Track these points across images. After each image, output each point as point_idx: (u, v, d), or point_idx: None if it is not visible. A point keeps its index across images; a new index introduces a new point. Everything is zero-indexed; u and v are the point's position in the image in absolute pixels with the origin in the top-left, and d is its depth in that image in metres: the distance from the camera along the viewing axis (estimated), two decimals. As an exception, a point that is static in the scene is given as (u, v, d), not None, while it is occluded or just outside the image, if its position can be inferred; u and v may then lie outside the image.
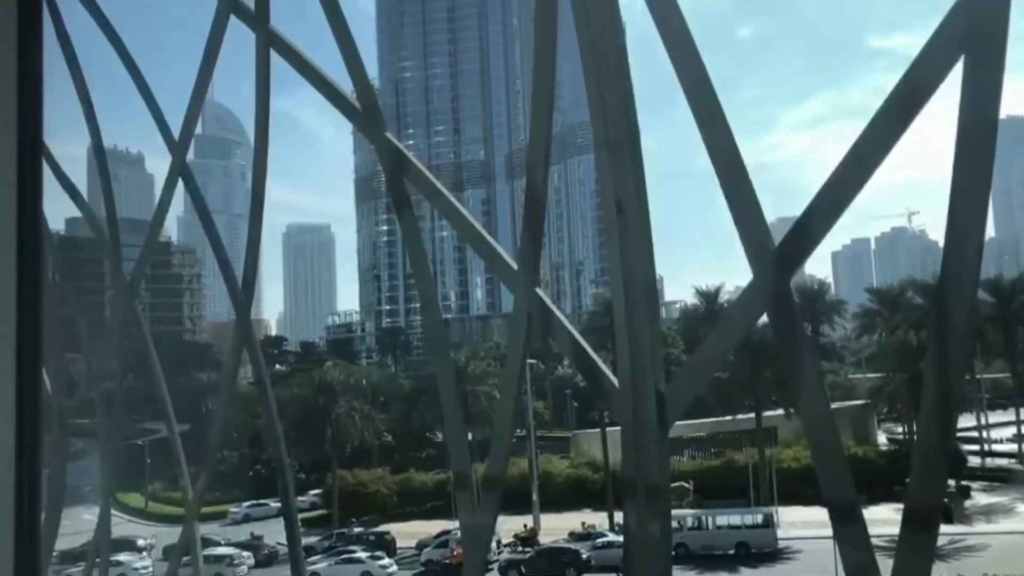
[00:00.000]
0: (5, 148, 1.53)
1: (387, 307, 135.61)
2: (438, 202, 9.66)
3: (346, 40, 10.00)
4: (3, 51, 1.55)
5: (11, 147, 1.53)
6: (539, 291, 7.88)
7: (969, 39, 5.42)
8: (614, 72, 8.31)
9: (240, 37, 11.91)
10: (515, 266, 8.11)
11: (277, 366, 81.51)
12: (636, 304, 6.73)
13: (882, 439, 53.85)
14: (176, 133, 13.59)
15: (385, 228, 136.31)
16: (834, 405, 46.13)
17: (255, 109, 10.54)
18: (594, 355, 7.16)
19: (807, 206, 5.86)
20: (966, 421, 51.24)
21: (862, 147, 5.72)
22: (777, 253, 5.67)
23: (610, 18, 8.02)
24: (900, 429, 51.80)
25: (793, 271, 5.99)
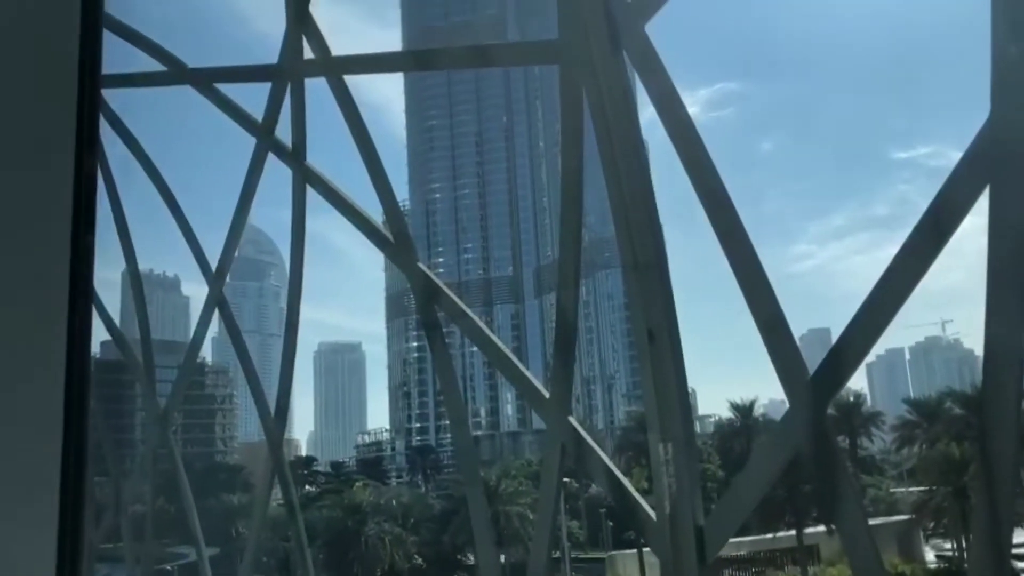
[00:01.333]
0: (58, 281, 1.61)
1: (417, 425, 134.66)
2: (467, 325, 9.76)
3: (377, 170, 10.38)
4: (61, 178, 1.66)
5: (64, 280, 1.61)
6: (571, 419, 7.85)
7: (994, 166, 5.52)
8: (639, 196, 8.52)
9: (275, 162, 12.40)
10: (546, 393, 8.10)
11: (307, 487, 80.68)
12: (671, 436, 6.67)
13: (930, 556, 51.75)
14: (211, 259, 14.02)
15: (415, 345, 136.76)
16: (877, 521, 44.53)
17: (291, 245, 10.89)
18: (630, 486, 7.06)
19: (840, 336, 5.85)
20: (1021, 536, 49.13)
21: (893, 276, 5.76)
22: (812, 382, 5.63)
23: (632, 141, 8.28)
24: (948, 545, 49.84)
25: (828, 400, 5.94)
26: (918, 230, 5.79)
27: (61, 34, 1.70)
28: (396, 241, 10.17)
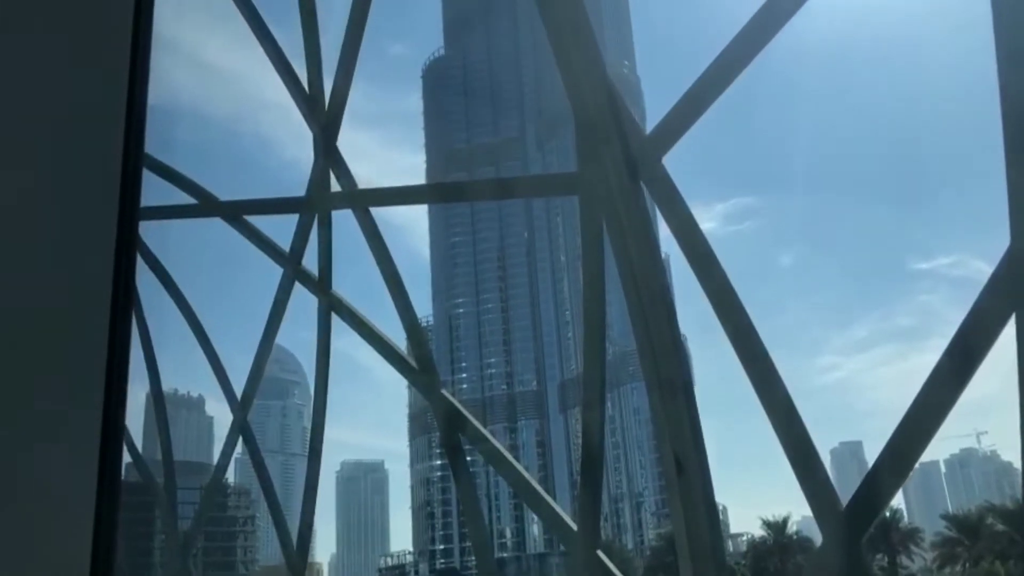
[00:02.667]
0: (91, 415, 1.63)
1: (441, 547, 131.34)
2: (489, 450, 9.66)
3: (401, 297, 10.50)
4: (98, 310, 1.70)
5: (98, 410, 1.64)
6: (600, 554, 7.64)
7: (1019, 294, 5.52)
8: (660, 318, 8.53)
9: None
10: (574, 525, 7.93)
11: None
12: (702, 559, 6.48)
13: None
14: (235, 381, 14.11)
15: (439, 463, 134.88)
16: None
17: (315, 376, 10.96)
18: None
19: (872, 467, 5.73)
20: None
21: (922, 407, 5.68)
22: (846, 515, 5.48)
23: (653, 265, 8.35)
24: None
25: (864, 532, 5.77)
26: (948, 355, 5.74)
27: (103, 175, 1.79)
28: (419, 366, 10.21)
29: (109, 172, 1.74)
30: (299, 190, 11.67)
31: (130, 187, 1.81)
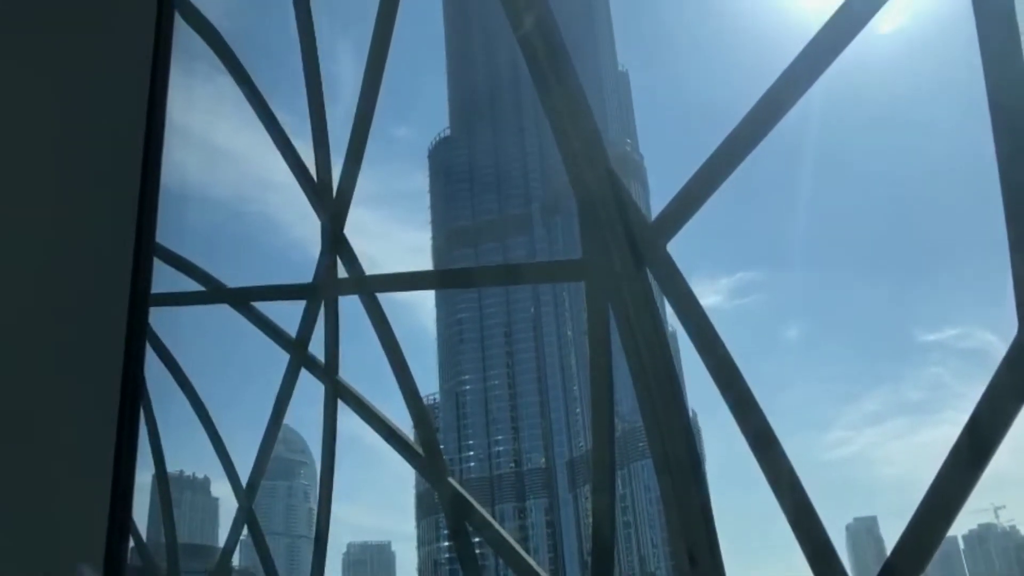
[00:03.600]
0: (99, 504, 1.63)
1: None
2: (493, 538, 9.50)
3: (408, 382, 10.48)
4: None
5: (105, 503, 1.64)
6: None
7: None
8: (668, 399, 8.46)
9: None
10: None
11: None
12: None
13: None
14: (239, 463, 14.00)
15: (446, 544, 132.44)
16: None
17: (321, 459, 10.90)
18: None
19: (891, 553, 5.61)
20: None
21: (939, 493, 5.59)
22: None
23: (659, 346, 8.33)
24: None
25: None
26: (955, 453, 5.67)
27: (115, 264, 1.81)
28: (425, 451, 10.12)
29: (120, 260, 1.78)
30: (305, 269, 11.79)
31: (141, 277, 1.83)
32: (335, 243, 10.58)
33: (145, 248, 1.84)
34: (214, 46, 11.03)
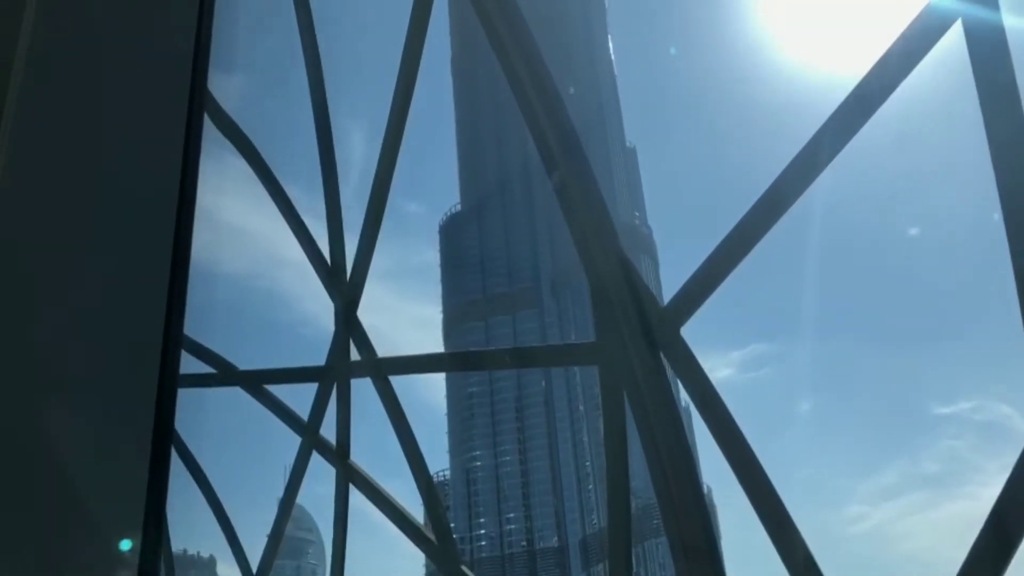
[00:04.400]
0: None
1: None
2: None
3: (420, 468, 10.37)
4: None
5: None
6: None
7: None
8: (683, 480, 8.33)
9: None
10: None
11: None
12: None
13: None
14: (246, 543, 13.79)
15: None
16: None
17: (332, 544, 10.71)
18: None
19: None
20: None
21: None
22: None
23: (674, 428, 8.24)
24: None
25: None
26: (983, 536, 5.55)
27: (145, 350, 1.81)
28: (436, 537, 9.96)
29: (150, 347, 1.79)
30: (315, 346, 11.81)
31: (169, 368, 1.85)
32: (347, 325, 10.60)
33: (174, 334, 1.87)
34: (224, 130, 11.23)
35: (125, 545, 1.60)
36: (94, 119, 2.00)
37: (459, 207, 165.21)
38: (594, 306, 8.26)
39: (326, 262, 11.05)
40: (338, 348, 10.73)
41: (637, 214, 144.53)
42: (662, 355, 7.81)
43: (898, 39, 6.21)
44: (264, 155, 11.50)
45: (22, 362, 1.66)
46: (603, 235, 7.52)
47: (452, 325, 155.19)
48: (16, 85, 1.90)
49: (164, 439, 1.78)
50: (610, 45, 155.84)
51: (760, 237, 7.12)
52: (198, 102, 2.15)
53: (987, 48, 6.18)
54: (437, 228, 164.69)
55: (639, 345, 7.58)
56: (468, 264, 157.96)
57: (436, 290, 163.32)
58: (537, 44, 7.96)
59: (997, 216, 6.58)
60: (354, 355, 11.36)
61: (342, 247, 10.95)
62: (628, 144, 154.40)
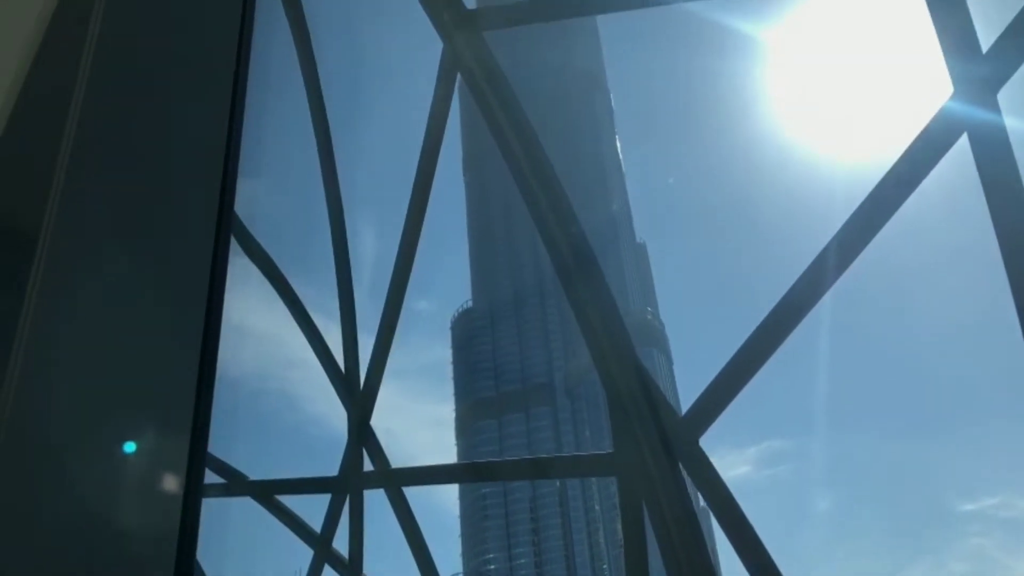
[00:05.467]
0: None
1: None
2: None
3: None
4: None
5: None
6: None
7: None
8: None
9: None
10: None
11: None
12: None
13: None
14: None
15: None
16: None
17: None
18: None
19: None
20: None
21: None
22: None
23: (694, 539, 8.03)
24: None
25: None
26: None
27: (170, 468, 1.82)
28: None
29: (175, 465, 1.79)
30: (326, 447, 11.67)
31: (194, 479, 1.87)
32: (360, 435, 10.51)
33: (200, 449, 1.90)
34: (239, 238, 11.38)
35: None
36: (123, 268, 2.06)
37: (470, 303, 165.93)
38: (611, 416, 8.17)
39: (339, 369, 11.03)
40: (351, 459, 10.60)
41: (649, 309, 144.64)
42: (680, 465, 7.68)
43: (903, 156, 6.31)
44: (275, 255, 11.58)
45: (62, 503, 1.67)
46: (619, 348, 7.50)
47: (464, 424, 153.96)
48: (51, 217, 1.97)
49: (189, 554, 1.78)
50: (618, 144, 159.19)
51: (774, 349, 7.09)
52: (225, 223, 2.21)
53: (991, 153, 6.26)
54: (448, 325, 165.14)
55: (658, 457, 7.47)
56: (480, 361, 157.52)
57: (447, 388, 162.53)
58: (548, 158, 8.12)
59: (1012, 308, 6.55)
60: (367, 462, 11.24)
61: (356, 356, 10.95)
62: (638, 240, 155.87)
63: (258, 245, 10.45)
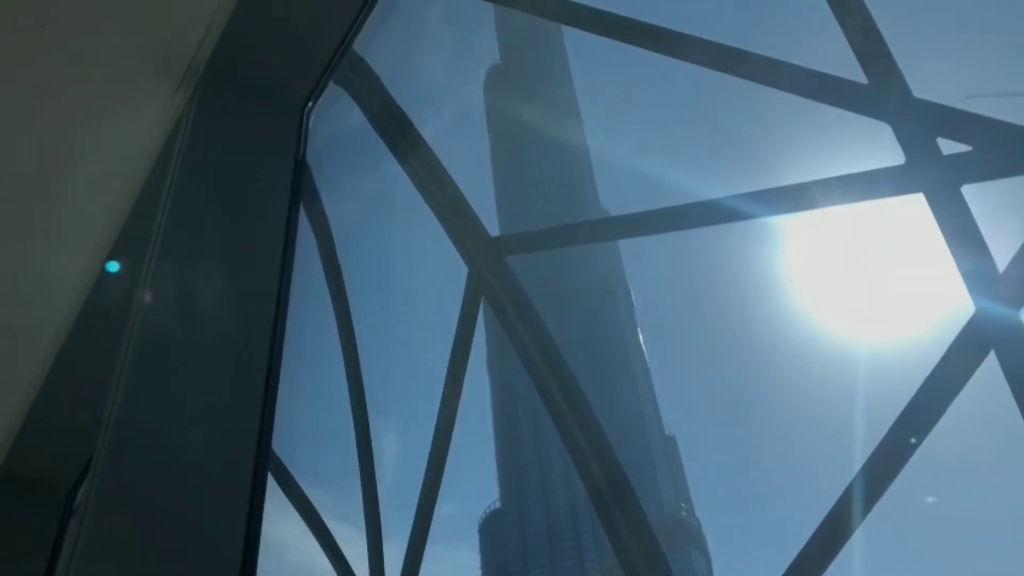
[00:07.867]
0: None
1: None
2: None
3: None
4: None
5: None
6: None
7: None
8: None
9: None
10: None
11: None
12: None
13: None
14: None
15: None
16: None
17: None
18: None
19: None
20: None
21: None
22: None
23: None
24: None
25: None
26: None
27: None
28: None
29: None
30: None
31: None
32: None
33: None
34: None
35: None
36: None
37: (498, 504, 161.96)
38: None
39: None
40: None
41: (684, 505, 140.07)
42: None
43: (929, 378, 6.24)
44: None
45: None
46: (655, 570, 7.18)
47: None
48: (113, 419, 2.05)
49: None
50: (640, 337, 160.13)
51: None
52: (264, 458, 2.27)
53: (1019, 364, 6.18)
54: (476, 527, 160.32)
55: None
56: (511, 562, 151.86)
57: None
58: (576, 378, 8.11)
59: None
60: None
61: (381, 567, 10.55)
62: (667, 433, 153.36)
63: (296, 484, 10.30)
